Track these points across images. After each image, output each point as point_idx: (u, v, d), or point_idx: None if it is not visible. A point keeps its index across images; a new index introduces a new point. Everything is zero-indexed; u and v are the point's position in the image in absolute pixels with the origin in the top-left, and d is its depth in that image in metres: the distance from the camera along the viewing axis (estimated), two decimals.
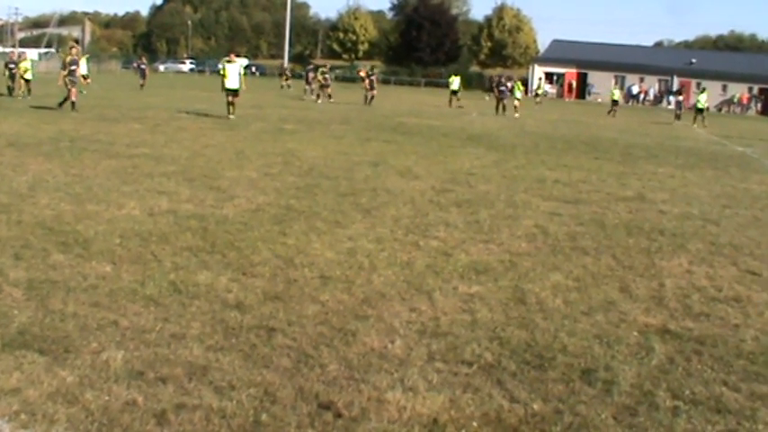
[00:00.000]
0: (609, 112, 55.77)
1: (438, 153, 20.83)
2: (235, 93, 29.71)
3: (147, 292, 7.09)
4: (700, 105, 49.83)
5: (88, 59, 52.02)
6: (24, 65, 35.74)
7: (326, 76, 48.15)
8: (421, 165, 17.77)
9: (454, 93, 52.57)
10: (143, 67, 55.81)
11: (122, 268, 7.85)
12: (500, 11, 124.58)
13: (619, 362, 6.16)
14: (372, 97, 46.73)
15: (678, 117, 52.43)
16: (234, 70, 29.97)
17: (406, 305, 7.21)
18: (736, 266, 9.79)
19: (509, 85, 49.33)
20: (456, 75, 55.72)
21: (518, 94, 49.02)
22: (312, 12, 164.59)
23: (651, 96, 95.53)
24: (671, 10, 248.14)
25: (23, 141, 18.10)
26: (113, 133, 21.08)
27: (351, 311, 6.92)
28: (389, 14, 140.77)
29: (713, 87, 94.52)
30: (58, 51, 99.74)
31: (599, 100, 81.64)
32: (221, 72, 30.48)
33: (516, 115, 44.39)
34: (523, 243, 10.23)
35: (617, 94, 60.07)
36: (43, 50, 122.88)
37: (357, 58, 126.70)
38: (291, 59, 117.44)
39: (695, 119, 48.80)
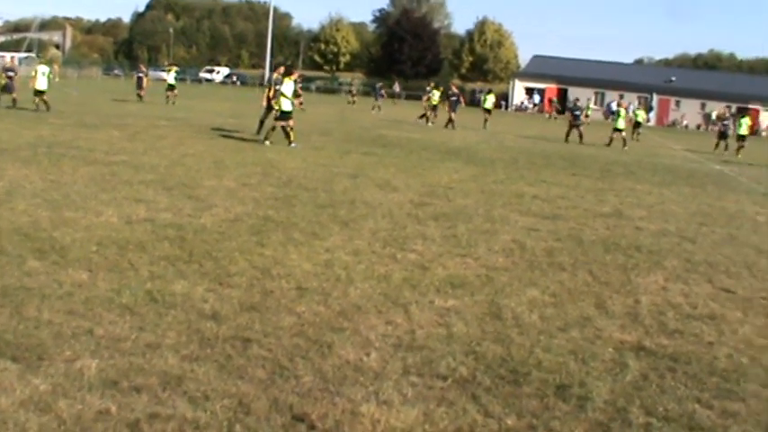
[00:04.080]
0: (633, 135, 47.15)
1: (417, 166, 20.86)
2: (289, 116, 24.16)
3: (123, 301, 7.07)
4: (639, 119, 49.79)
5: (177, 72, 50.45)
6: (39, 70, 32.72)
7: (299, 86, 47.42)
8: (400, 178, 17.79)
9: (487, 111, 47.96)
10: (141, 75, 48.21)
11: (99, 276, 7.82)
12: (482, 25, 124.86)
13: (593, 378, 6.18)
14: (450, 121, 42.60)
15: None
16: (289, 89, 24.28)
17: (383, 318, 7.22)
18: (711, 284, 9.86)
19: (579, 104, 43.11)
20: (490, 92, 51.70)
21: (621, 122, 40.22)
22: (294, 22, 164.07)
23: (631, 113, 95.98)
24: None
25: (1, 147, 18.00)
26: (92, 140, 21.02)
27: (327, 323, 6.91)
28: (371, 26, 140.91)
29: (692, 105, 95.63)
30: (38, 56, 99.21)
31: (555, 115, 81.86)
32: (275, 91, 25.11)
33: (626, 148, 38.34)
34: (500, 258, 10.25)
35: (641, 116, 52.90)
36: (23, 55, 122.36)
37: (338, 70, 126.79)
38: (273, 70, 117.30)
39: (634, 132, 47.23)
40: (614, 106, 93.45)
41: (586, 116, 50.57)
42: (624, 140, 39.21)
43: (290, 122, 24.09)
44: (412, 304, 7.72)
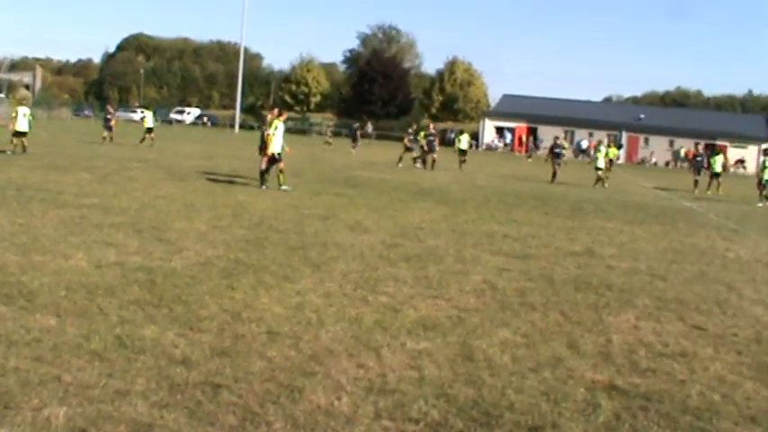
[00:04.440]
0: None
1: (388, 207, 20.88)
2: (279, 157, 24.07)
3: (92, 347, 7.00)
4: (611, 156, 47.41)
5: (155, 113, 50.39)
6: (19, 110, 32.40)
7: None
8: (371, 218, 17.79)
9: (462, 152, 47.24)
10: (109, 117, 47.30)
11: (67, 321, 7.75)
12: (452, 65, 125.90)
13: (566, 419, 6.17)
14: (433, 161, 42.93)
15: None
16: (280, 131, 24.35)
17: (354, 361, 7.18)
18: (682, 321, 9.90)
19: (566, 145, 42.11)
20: (463, 132, 51.68)
21: (600, 162, 40.20)
22: (265, 63, 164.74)
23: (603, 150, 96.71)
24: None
25: None
26: (62, 182, 20.90)
27: (298, 368, 6.87)
28: (342, 67, 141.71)
29: (661, 142, 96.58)
30: (8, 97, 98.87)
31: (531, 155, 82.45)
32: (268, 134, 24.49)
33: (606, 186, 38.65)
34: (472, 299, 10.25)
35: (613, 153, 50.66)
36: None
37: (309, 110, 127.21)
38: (243, 110, 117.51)
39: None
40: (584, 144, 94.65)
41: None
42: (603, 180, 39.21)
43: (281, 165, 23.95)
44: (383, 347, 7.69)
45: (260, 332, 7.90)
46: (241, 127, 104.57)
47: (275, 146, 23.85)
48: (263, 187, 23.39)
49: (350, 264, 12.01)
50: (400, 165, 43.26)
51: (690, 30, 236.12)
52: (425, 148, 43.88)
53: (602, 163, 39.85)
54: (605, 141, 79.96)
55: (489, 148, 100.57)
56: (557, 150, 41.33)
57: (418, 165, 43.56)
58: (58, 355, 6.72)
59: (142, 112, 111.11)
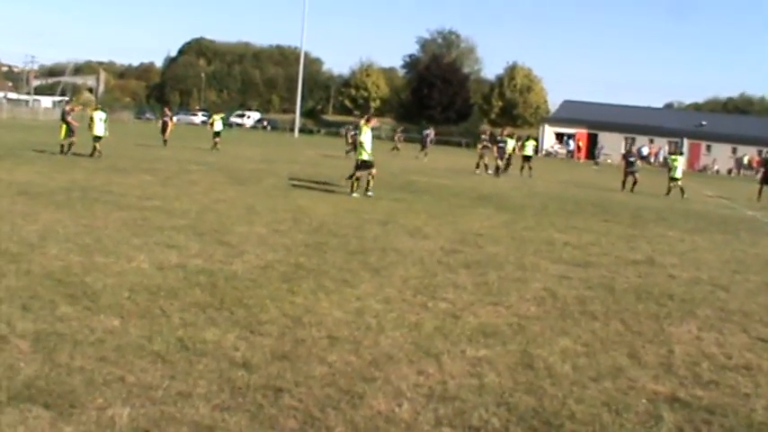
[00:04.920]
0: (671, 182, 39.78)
1: (448, 213, 20.82)
2: (370, 164, 23.99)
3: (155, 348, 7.07)
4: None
5: (223, 119, 51.05)
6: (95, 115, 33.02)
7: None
8: (430, 224, 17.76)
9: (527, 158, 45.32)
10: (165, 119, 47.55)
11: (130, 323, 7.84)
12: (511, 70, 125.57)
13: (627, 430, 6.12)
14: (504, 167, 42.20)
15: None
16: (368, 138, 24.15)
17: (414, 368, 7.17)
18: (746, 333, 9.75)
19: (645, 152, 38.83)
20: (529, 138, 49.16)
21: (678, 171, 38.25)
22: (325, 67, 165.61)
23: (661, 158, 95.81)
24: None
25: (35, 190, 18.20)
26: (125, 184, 21.18)
27: (358, 373, 6.88)
28: (401, 72, 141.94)
29: (723, 150, 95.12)
30: (71, 100, 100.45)
31: (609, 161, 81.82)
32: (358, 137, 24.90)
33: (685, 196, 36.73)
34: (532, 306, 10.19)
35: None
36: (57, 98, 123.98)
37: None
38: (303, 114, 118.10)
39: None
40: (644, 151, 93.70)
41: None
42: (682, 189, 37.47)
43: (372, 171, 23.95)
44: (444, 354, 7.68)
45: (320, 337, 7.92)
46: (301, 131, 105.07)
47: (365, 152, 23.81)
48: (353, 195, 23.29)
49: (409, 269, 12.01)
50: (478, 171, 42.91)
51: (753, 35, 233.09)
52: (496, 154, 42.75)
53: (680, 172, 38.37)
54: (665, 149, 79.41)
55: (549, 154, 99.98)
56: (630, 159, 40.35)
57: (490, 171, 42.60)
58: (122, 356, 6.80)
59: (206, 114, 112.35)
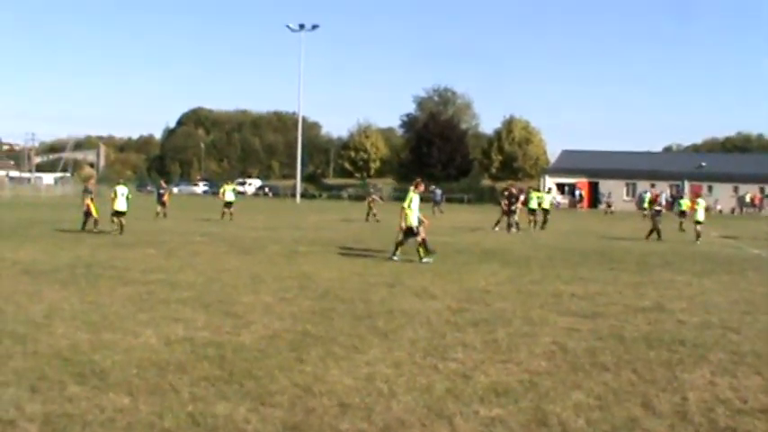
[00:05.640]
0: (681, 225, 44.46)
1: (453, 271, 20.78)
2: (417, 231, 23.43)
3: (166, 425, 7.04)
4: (683, 208, 47.06)
5: (234, 189, 50.20)
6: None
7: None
8: (437, 284, 17.72)
9: (532, 212, 45.38)
10: (162, 192, 48.12)
11: (140, 400, 7.81)
12: (509, 124, 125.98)
13: None
14: (516, 223, 41.34)
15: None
16: (416, 204, 23.56)
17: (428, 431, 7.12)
18: (760, 376, 9.69)
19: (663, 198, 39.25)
20: (537, 191, 50.19)
21: (700, 214, 38.76)
22: (323, 131, 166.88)
23: (663, 202, 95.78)
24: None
25: (39, 268, 18.29)
26: (128, 259, 21.21)
27: None
28: (400, 131, 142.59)
29: (725, 189, 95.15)
30: (73, 175, 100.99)
31: (612, 208, 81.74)
32: (403, 207, 23.68)
33: (698, 242, 36.57)
34: (542, 361, 10.14)
35: (685, 205, 48.31)
36: (59, 175, 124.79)
37: (369, 176, 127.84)
38: (304, 179, 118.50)
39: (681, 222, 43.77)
40: (647, 196, 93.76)
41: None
42: (698, 233, 37.58)
43: (419, 238, 23.35)
44: (456, 416, 7.63)
45: (331, 405, 7.88)
46: (302, 196, 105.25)
47: (412, 219, 23.29)
48: (394, 258, 23.12)
49: (418, 331, 11.97)
50: (497, 228, 41.64)
51: (748, 74, 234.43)
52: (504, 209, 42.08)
53: (701, 215, 38.46)
54: (667, 192, 79.43)
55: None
56: (658, 208, 40.31)
57: (514, 230, 41.17)
58: None
59: (207, 184, 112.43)
